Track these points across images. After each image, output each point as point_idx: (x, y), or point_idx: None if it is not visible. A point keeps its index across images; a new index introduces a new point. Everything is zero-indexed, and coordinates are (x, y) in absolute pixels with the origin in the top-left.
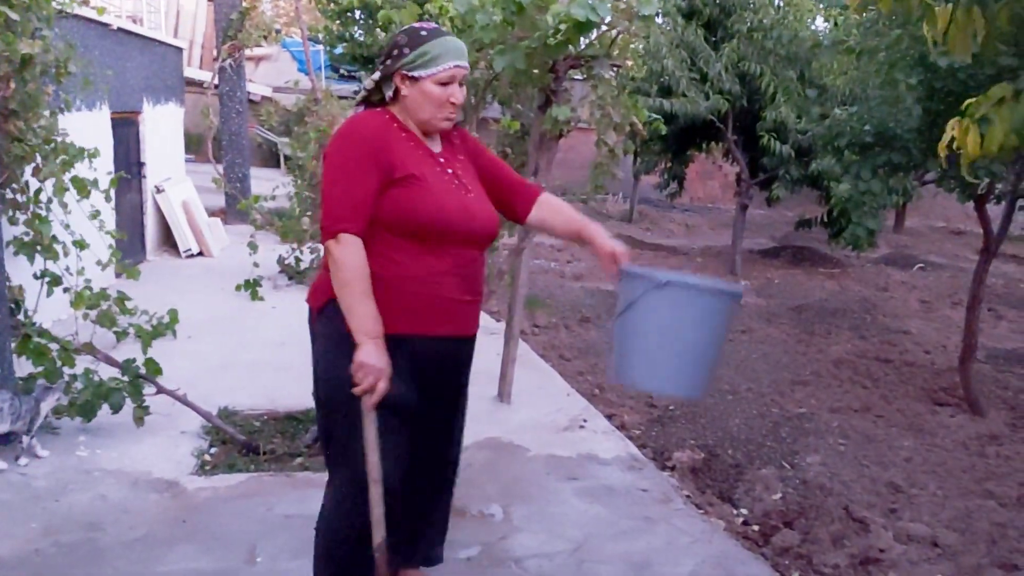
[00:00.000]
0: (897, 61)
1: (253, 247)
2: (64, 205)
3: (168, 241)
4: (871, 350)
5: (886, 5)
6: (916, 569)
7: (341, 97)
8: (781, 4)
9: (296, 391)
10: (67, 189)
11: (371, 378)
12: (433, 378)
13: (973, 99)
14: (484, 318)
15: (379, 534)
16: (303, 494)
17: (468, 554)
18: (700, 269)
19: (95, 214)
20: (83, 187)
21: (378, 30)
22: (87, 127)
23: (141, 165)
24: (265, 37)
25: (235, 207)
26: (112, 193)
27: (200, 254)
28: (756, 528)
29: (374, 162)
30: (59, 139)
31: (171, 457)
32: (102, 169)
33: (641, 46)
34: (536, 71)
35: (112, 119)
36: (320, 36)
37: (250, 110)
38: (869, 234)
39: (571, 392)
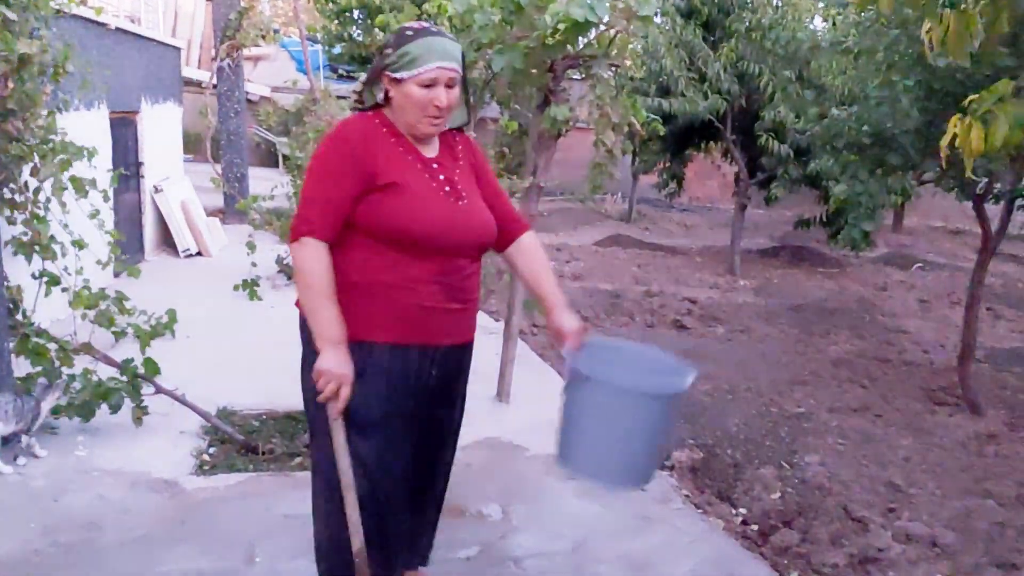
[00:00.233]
0: (895, 62)
1: (251, 247)
2: (63, 204)
3: (166, 241)
4: (870, 350)
5: (887, 4)
6: (915, 568)
7: (340, 97)
8: (780, 4)
9: (295, 391)
10: (65, 188)
11: (332, 384)
12: (415, 387)
13: (974, 97)
14: (483, 318)
15: (357, 540)
16: (302, 494)
17: (467, 554)
18: (699, 269)
19: (94, 213)
20: (81, 187)
21: (376, 30)
22: (85, 127)
23: (139, 165)
24: (263, 37)
25: (233, 207)
26: (111, 192)
27: (198, 254)
28: (755, 528)
29: (353, 168)
30: (57, 139)
31: (170, 457)
32: (101, 169)
33: (640, 46)
34: (534, 71)
35: (110, 119)
36: (318, 36)
37: (248, 110)
38: (864, 235)
39: None
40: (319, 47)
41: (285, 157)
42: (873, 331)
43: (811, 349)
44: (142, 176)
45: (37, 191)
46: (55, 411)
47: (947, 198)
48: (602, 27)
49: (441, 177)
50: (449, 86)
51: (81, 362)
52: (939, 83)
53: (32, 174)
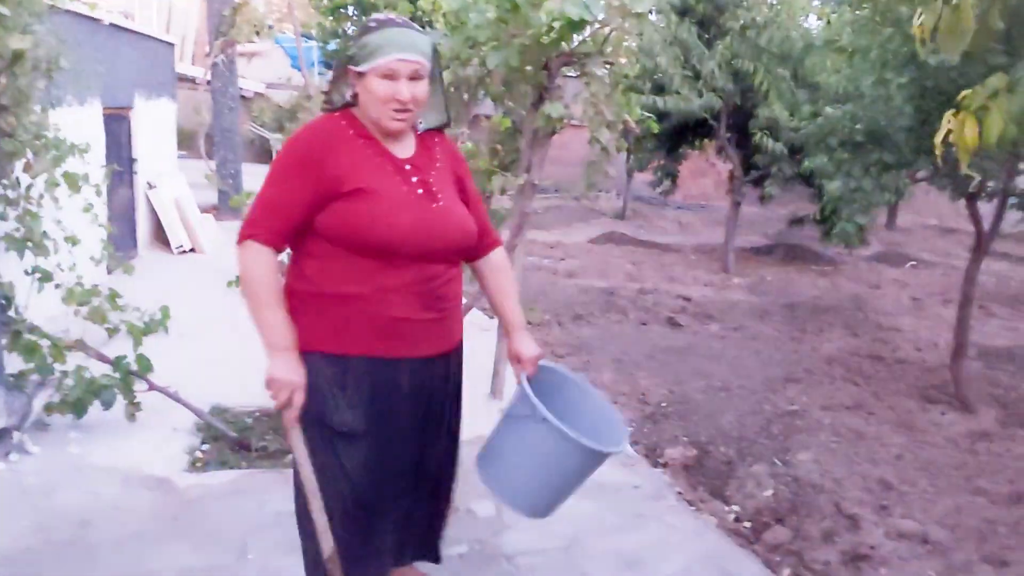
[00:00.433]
0: (888, 60)
1: None
2: (55, 200)
3: (160, 237)
4: (863, 347)
5: None
6: (906, 565)
7: None
8: (774, 2)
9: None
10: (58, 184)
11: (284, 393)
12: (395, 398)
13: (968, 92)
14: (477, 315)
15: (327, 545)
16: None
17: (460, 551)
18: (693, 266)
19: (87, 208)
20: (74, 183)
21: None
22: (79, 122)
23: (132, 161)
24: (257, 33)
25: (227, 203)
26: (104, 188)
27: (192, 250)
28: (747, 525)
29: (311, 173)
30: (50, 135)
31: (163, 454)
32: (94, 165)
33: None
34: (529, 68)
35: (104, 115)
36: (313, 32)
37: (242, 106)
38: (859, 230)
39: None
40: (313, 43)
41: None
42: (866, 329)
43: (804, 347)
44: (135, 172)
45: (29, 187)
46: (47, 407)
47: (940, 196)
48: (597, 25)
49: (414, 179)
50: (414, 79)
51: (74, 359)
52: (932, 81)
53: (25, 170)
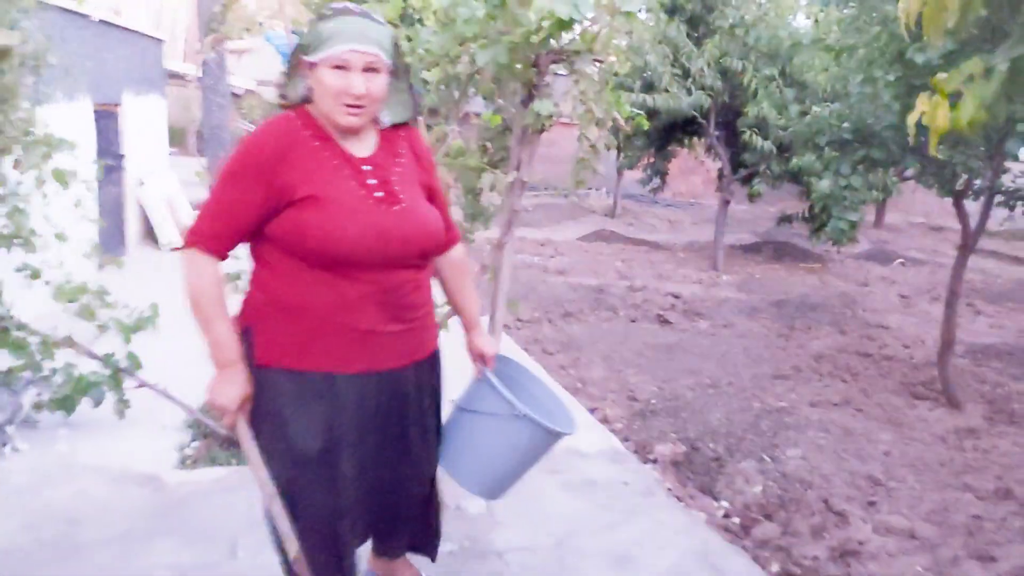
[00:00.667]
0: (876, 58)
1: None
2: (44, 196)
3: (150, 235)
4: (851, 345)
5: None
6: (894, 561)
7: None
8: (763, 1)
9: None
10: (45, 181)
11: (229, 417)
12: (356, 416)
13: (943, 75)
14: None
15: (292, 548)
16: None
17: (451, 548)
18: (683, 264)
19: (77, 204)
20: (63, 179)
21: None
22: (69, 119)
23: (120, 157)
24: (248, 30)
25: None
26: (96, 184)
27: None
28: (737, 520)
29: (261, 180)
30: (38, 131)
31: (152, 451)
32: (84, 161)
33: (624, 42)
34: (519, 66)
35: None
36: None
37: (233, 103)
38: (851, 226)
39: (554, 386)
40: None
41: None
42: (854, 326)
43: (793, 344)
44: (123, 169)
45: (18, 184)
46: (36, 405)
47: (928, 195)
48: (587, 23)
49: (373, 181)
50: (369, 71)
51: (63, 356)
52: (919, 79)
53: (14, 167)
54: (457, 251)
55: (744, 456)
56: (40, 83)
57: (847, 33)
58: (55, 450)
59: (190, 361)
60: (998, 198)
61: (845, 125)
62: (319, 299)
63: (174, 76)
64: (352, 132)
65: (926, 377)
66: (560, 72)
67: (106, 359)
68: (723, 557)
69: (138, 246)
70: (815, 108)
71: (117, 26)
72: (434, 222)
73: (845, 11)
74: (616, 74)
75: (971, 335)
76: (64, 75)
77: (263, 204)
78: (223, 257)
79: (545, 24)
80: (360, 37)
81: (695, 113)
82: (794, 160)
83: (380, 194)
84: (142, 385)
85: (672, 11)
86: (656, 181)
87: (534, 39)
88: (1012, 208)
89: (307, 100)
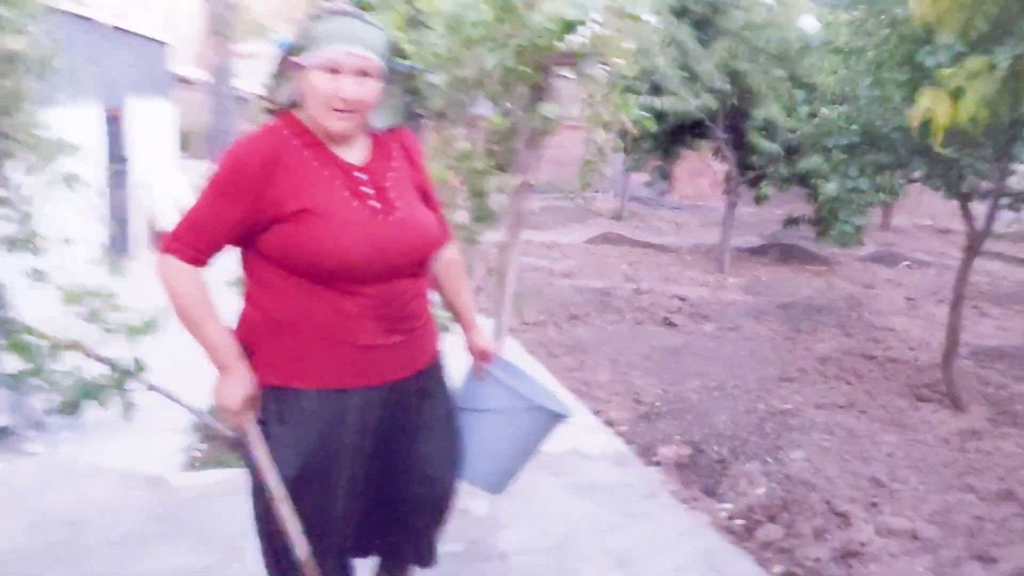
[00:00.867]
0: (885, 60)
1: None
2: (51, 200)
3: (157, 239)
4: (856, 347)
5: None
6: (896, 562)
7: None
8: (772, 3)
9: None
10: (52, 185)
11: (238, 418)
12: (355, 431)
13: (947, 71)
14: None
15: (302, 550)
16: None
17: (453, 549)
18: (689, 267)
19: (85, 208)
20: (69, 182)
21: None
22: (75, 123)
23: (123, 161)
24: (256, 34)
25: None
26: (106, 187)
27: None
28: (740, 522)
29: (245, 195)
30: (44, 135)
31: (158, 454)
32: (91, 165)
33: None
34: (526, 69)
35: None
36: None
37: (240, 107)
38: (857, 230)
39: (559, 388)
40: None
41: None
42: (860, 328)
43: (798, 346)
44: (126, 172)
45: (21, 187)
46: (44, 408)
47: (935, 197)
48: (594, 26)
49: (368, 190)
50: (361, 75)
51: (70, 359)
52: (929, 81)
53: (20, 171)
54: (451, 251)
55: (748, 458)
56: (46, 87)
57: (856, 35)
58: (62, 452)
59: (196, 364)
60: (1005, 200)
61: (853, 127)
62: (316, 315)
63: (182, 80)
64: (343, 138)
65: (930, 379)
66: (567, 75)
67: (113, 362)
68: (726, 559)
69: (144, 250)
70: (823, 110)
71: (122, 30)
72: (430, 228)
73: (854, 13)
74: (624, 77)
75: (976, 337)
76: (70, 79)
77: (247, 218)
78: (202, 264)
79: (552, 27)
80: (353, 39)
81: (703, 116)
82: (802, 162)
83: (376, 204)
84: (149, 388)
85: (680, 13)
86: (663, 184)
87: (541, 42)
88: (1018, 210)
89: (294, 104)
